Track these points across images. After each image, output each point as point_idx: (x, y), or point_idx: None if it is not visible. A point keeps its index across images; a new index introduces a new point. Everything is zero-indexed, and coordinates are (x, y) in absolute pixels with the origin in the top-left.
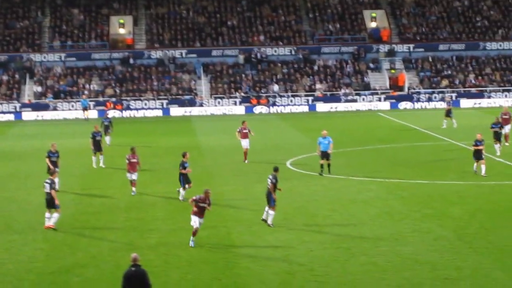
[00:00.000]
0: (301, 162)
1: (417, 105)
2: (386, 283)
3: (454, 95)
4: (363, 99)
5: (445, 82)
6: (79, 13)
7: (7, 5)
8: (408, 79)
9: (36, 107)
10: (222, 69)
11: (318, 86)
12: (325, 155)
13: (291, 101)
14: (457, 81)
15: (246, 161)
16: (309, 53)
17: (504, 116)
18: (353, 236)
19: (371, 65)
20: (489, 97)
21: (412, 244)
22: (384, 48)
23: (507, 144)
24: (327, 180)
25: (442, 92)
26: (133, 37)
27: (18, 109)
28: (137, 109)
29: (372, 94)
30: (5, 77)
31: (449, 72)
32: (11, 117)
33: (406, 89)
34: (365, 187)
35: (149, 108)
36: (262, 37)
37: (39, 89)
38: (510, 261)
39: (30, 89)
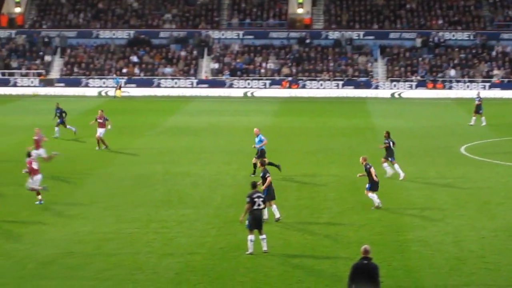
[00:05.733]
0: (476, 148)
1: None
2: None
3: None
4: None
5: None
6: None
7: None
8: None
9: (212, 84)
10: (399, 52)
11: (495, 72)
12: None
13: (468, 86)
14: None
15: (97, 148)
16: (487, 39)
17: None
18: None
19: None
20: None
21: None
22: None
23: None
24: (502, 168)
25: None
26: (311, 17)
27: (194, 85)
28: (312, 89)
29: None
30: (183, 53)
31: None
32: (187, 92)
33: None
34: None
35: (324, 89)
36: (440, 21)
37: (216, 66)
38: None
39: (207, 66)
